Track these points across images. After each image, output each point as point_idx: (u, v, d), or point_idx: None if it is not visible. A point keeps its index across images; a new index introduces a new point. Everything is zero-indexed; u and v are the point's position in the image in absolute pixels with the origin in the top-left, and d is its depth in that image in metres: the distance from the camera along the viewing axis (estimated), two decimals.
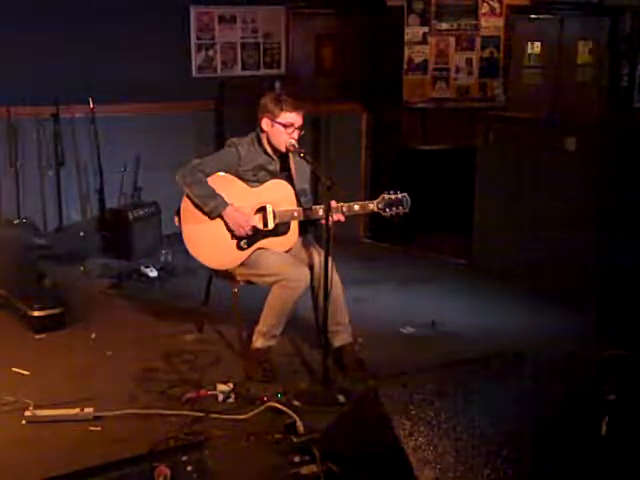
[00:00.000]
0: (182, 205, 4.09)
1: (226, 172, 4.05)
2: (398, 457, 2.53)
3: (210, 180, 4.02)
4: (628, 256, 4.94)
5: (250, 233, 4.01)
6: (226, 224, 4.02)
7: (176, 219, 4.12)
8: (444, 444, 2.57)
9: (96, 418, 3.48)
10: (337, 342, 4.06)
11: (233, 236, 4.04)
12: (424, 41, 7.53)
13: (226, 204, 3.99)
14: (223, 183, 4.04)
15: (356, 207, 3.98)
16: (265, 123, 4.02)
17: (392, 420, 2.58)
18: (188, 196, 4.04)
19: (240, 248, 4.05)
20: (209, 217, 4.02)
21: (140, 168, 6.45)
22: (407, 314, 4.87)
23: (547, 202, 5.38)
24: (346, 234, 5.09)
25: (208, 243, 4.07)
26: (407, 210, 3.98)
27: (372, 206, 3.98)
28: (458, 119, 7.07)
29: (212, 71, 6.87)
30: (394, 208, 3.96)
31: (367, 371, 3.97)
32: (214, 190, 4.00)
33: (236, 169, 4.05)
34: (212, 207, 3.98)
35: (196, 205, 4.03)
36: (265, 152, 4.07)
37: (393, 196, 3.96)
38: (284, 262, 3.98)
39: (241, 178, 4.06)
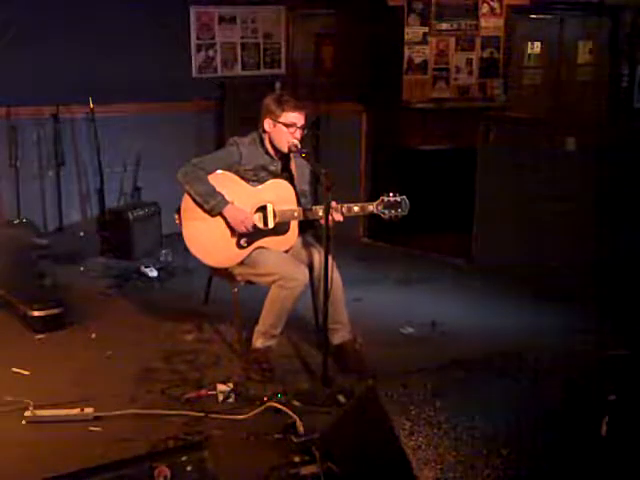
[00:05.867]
0: (182, 203, 4.09)
1: (227, 171, 4.05)
2: (398, 457, 2.53)
3: (210, 178, 4.02)
4: (628, 256, 4.94)
5: (251, 230, 4.02)
6: (227, 222, 4.02)
7: (177, 217, 4.12)
8: (444, 444, 2.57)
9: (96, 418, 3.48)
10: (336, 340, 4.07)
11: (233, 234, 4.05)
12: (424, 41, 7.53)
13: (226, 202, 3.99)
14: (224, 181, 4.04)
15: (355, 208, 3.99)
16: (267, 124, 4.03)
17: (392, 420, 2.58)
18: (189, 194, 4.04)
19: (240, 247, 4.05)
20: (210, 215, 4.02)
21: (140, 168, 6.45)
22: (407, 314, 4.87)
23: (547, 202, 5.38)
24: (346, 234, 5.09)
25: (208, 241, 4.07)
26: (405, 213, 4.00)
27: (371, 208, 3.99)
28: (458, 119, 7.07)
29: (212, 71, 6.87)
30: (393, 211, 3.98)
31: (367, 370, 3.97)
32: (215, 188, 4.00)
33: (237, 168, 4.05)
34: (212, 205, 3.98)
35: (197, 203, 4.03)
36: (267, 152, 4.08)
37: (392, 199, 3.98)
38: (283, 262, 3.99)
39: (242, 177, 4.07)
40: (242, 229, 4.01)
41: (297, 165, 4.14)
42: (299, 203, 4.08)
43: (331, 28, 7.31)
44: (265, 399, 3.64)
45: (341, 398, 3.65)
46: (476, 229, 5.93)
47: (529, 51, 8.15)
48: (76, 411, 3.51)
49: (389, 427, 2.57)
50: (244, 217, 4.01)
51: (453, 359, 3.90)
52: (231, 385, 3.76)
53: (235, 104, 6.59)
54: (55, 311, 4.60)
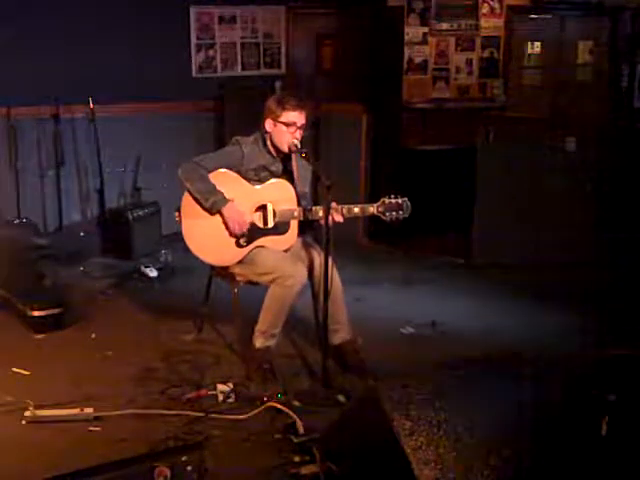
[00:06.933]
0: (183, 201, 4.08)
1: (228, 170, 4.05)
2: (398, 457, 2.53)
3: (211, 176, 4.02)
4: (628, 256, 4.94)
5: (245, 233, 4.02)
6: (224, 221, 4.02)
7: (177, 215, 4.12)
8: (444, 444, 2.57)
9: (96, 418, 3.48)
10: (336, 340, 4.06)
11: (232, 233, 4.05)
12: (424, 41, 7.53)
13: (226, 200, 3.99)
14: (225, 180, 4.04)
15: (356, 209, 3.99)
16: (268, 124, 4.03)
17: (392, 420, 2.58)
18: (189, 191, 4.04)
19: (239, 245, 4.05)
20: (209, 213, 4.02)
21: (140, 168, 6.45)
22: (407, 314, 4.87)
23: (547, 202, 5.38)
24: (346, 234, 5.08)
25: (208, 239, 4.07)
26: (407, 215, 3.99)
27: (372, 209, 3.99)
28: (458, 119, 7.07)
29: (212, 71, 6.87)
30: (394, 213, 3.97)
31: (367, 370, 3.97)
32: (215, 186, 4.00)
33: (238, 168, 4.05)
34: (212, 203, 3.98)
35: (196, 200, 4.02)
36: (268, 152, 4.08)
37: (393, 200, 3.97)
38: (281, 260, 3.99)
39: (243, 177, 4.06)
40: (236, 231, 4.00)
41: (299, 167, 4.14)
42: (299, 204, 4.08)
43: (331, 28, 7.31)
44: (265, 399, 3.63)
45: (341, 398, 3.65)
46: (476, 229, 5.93)
47: (529, 51, 8.15)
48: (76, 411, 3.50)
49: (389, 427, 2.57)
50: (241, 220, 4.01)
51: (453, 359, 3.92)
52: (231, 385, 3.76)
53: (235, 104, 6.59)
54: (55, 311, 4.60)
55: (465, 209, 5.95)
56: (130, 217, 6.04)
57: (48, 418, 3.46)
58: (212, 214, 4.03)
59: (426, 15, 7.46)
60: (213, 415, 3.52)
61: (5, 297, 4.80)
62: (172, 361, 4.17)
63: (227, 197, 4.00)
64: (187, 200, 4.06)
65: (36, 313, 4.55)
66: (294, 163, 4.13)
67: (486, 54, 7.81)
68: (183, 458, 2.67)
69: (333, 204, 3.80)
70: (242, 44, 6.97)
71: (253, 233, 4.05)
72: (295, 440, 3.26)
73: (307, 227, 4.17)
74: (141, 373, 4.01)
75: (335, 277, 3.91)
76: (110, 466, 2.62)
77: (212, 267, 4.29)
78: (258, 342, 4.01)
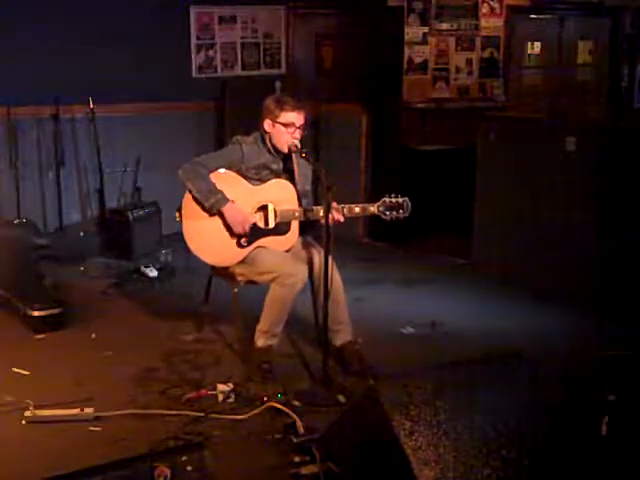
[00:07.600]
0: (184, 201, 4.08)
1: (229, 169, 4.05)
2: (398, 457, 2.53)
3: (213, 177, 4.02)
4: (628, 256, 4.94)
5: (247, 232, 4.02)
6: (225, 221, 4.02)
7: (177, 215, 4.12)
8: (444, 444, 2.57)
9: (96, 418, 3.48)
10: (338, 341, 4.07)
11: (233, 234, 4.05)
12: (424, 41, 7.54)
13: (227, 200, 3.99)
14: (225, 180, 4.04)
15: (357, 209, 3.99)
16: (267, 124, 4.03)
17: (392, 420, 2.58)
18: (190, 191, 4.04)
19: (240, 246, 4.05)
20: (209, 213, 4.02)
21: (140, 168, 6.45)
22: (407, 314, 4.87)
23: (547, 202, 5.38)
24: (346, 234, 5.09)
25: (208, 240, 4.07)
26: (407, 214, 4.00)
27: (373, 209, 3.99)
28: (458, 119, 7.08)
29: (212, 71, 6.87)
30: (394, 212, 3.98)
31: (368, 370, 3.97)
32: (215, 186, 4.00)
33: (239, 167, 4.06)
34: (212, 203, 3.98)
35: (197, 201, 4.02)
36: (268, 151, 4.08)
37: (394, 200, 3.98)
38: (281, 260, 3.99)
39: (244, 176, 4.07)
40: (240, 230, 4.01)
41: (300, 165, 4.15)
42: (300, 203, 4.08)
43: (331, 28, 7.31)
44: (265, 399, 3.63)
45: (341, 398, 3.65)
46: (476, 229, 5.92)
47: (529, 51, 8.16)
48: (76, 411, 3.50)
49: (389, 427, 2.57)
50: (243, 218, 4.01)
51: (453, 359, 3.92)
52: (231, 385, 3.76)
53: (235, 104, 6.59)
54: (55, 311, 4.60)
55: (465, 209, 5.94)
56: (130, 217, 6.04)
57: (48, 418, 3.46)
58: (212, 214, 4.03)
59: (426, 15, 7.47)
60: (213, 415, 3.52)
61: (5, 297, 4.81)
62: (172, 361, 4.17)
63: (227, 197, 4.00)
64: (188, 200, 4.06)
65: (36, 313, 4.54)
66: (295, 161, 4.14)
67: (486, 54, 7.82)
68: (183, 458, 2.67)
69: (334, 204, 3.81)
70: (242, 44, 6.98)
71: (254, 233, 4.05)
72: (295, 440, 3.26)
73: (308, 227, 4.17)
74: (141, 373, 4.01)
75: (336, 277, 3.92)
76: (110, 466, 2.63)
77: (212, 267, 4.29)
78: (260, 342, 4.01)
